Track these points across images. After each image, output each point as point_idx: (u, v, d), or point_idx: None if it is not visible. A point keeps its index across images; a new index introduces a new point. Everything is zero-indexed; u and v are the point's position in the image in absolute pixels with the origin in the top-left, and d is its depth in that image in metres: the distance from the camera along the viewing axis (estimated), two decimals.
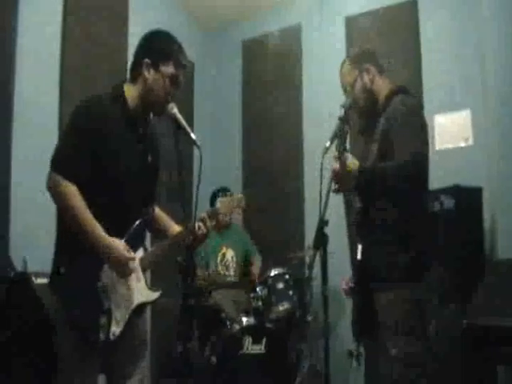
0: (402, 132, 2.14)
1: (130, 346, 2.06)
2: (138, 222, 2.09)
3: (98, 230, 1.93)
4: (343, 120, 2.24)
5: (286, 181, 5.08)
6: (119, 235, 2.02)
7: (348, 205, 2.32)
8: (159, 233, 2.32)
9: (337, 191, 2.14)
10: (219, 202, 2.29)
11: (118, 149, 2.04)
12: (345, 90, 2.44)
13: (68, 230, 1.96)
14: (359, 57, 2.45)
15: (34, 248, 3.05)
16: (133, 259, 2.02)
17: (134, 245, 2.07)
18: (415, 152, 2.09)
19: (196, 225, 2.09)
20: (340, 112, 2.30)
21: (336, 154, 2.07)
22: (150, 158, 2.18)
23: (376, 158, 2.23)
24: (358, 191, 2.24)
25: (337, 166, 2.06)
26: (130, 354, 2.07)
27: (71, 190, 1.92)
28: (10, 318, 2.59)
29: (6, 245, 3.09)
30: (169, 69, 2.08)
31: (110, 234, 1.97)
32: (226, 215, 4.07)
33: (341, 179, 2.09)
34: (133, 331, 2.05)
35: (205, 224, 2.15)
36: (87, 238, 1.91)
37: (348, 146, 2.16)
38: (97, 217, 1.94)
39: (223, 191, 4.11)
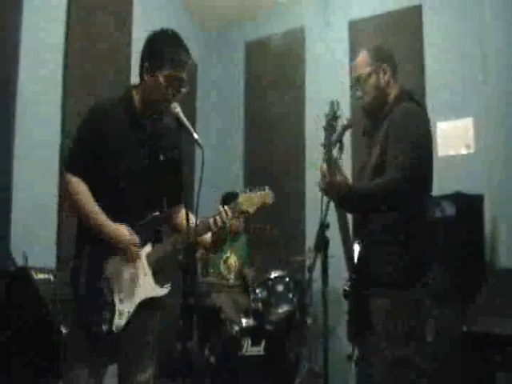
0: (396, 143, 2.10)
1: (140, 339, 2.08)
2: (152, 215, 2.10)
3: (102, 216, 1.99)
4: (343, 130, 2.26)
5: (288, 181, 5.09)
6: None
7: (340, 210, 2.29)
8: (177, 231, 2.25)
9: (322, 192, 2.14)
10: (242, 197, 2.11)
11: (118, 149, 2.06)
12: (356, 80, 2.35)
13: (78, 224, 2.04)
14: (379, 53, 2.35)
15: (35, 245, 3.06)
16: (135, 243, 2.03)
17: (143, 237, 2.07)
18: (404, 168, 2.04)
19: (212, 220, 2.06)
20: (344, 121, 2.30)
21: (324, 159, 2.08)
22: (162, 157, 2.16)
23: (375, 164, 2.22)
24: (340, 207, 2.23)
25: (324, 167, 2.09)
26: (141, 347, 2.09)
27: (78, 183, 2.01)
28: (12, 313, 2.60)
29: (7, 242, 3.10)
30: (164, 71, 2.07)
31: None
32: (234, 222, 4.11)
33: (328, 186, 2.09)
34: (143, 325, 2.06)
35: (222, 217, 2.07)
36: (93, 224, 1.99)
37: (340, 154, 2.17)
38: None
39: (231, 196, 4.11)
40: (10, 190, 3.20)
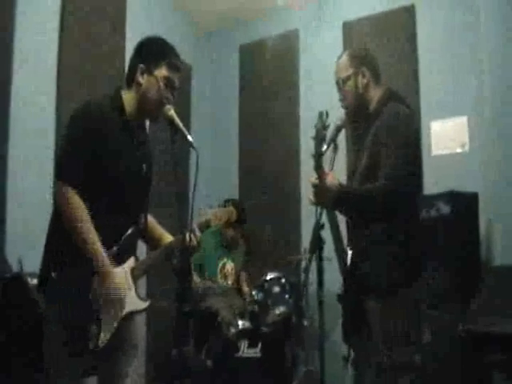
0: (387, 147, 2.13)
1: (121, 349, 2.06)
2: (130, 231, 2.08)
3: (100, 248, 1.93)
4: (337, 131, 2.26)
5: (283, 182, 5.08)
6: (117, 239, 2.03)
7: (332, 217, 2.29)
8: (152, 242, 2.30)
9: (314, 204, 2.15)
10: (210, 214, 2.26)
11: (117, 150, 2.04)
12: (337, 83, 2.41)
13: (62, 235, 1.95)
14: (359, 56, 2.39)
15: (30, 249, 3.03)
16: (120, 295, 2.00)
17: (125, 253, 2.06)
18: (395, 172, 2.08)
19: (187, 236, 2.06)
20: (337, 122, 2.31)
21: (314, 168, 2.08)
22: (144, 167, 2.18)
23: (365, 167, 2.22)
24: (336, 210, 2.24)
25: (313, 179, 2.10)
26: (121, 357, 2.07)
27: (78, 201, 1.92)
28: (6, 320, 2.59)
29: (1, 246, 3.08)
30: (162, 71, 2.09)
31: (108, 238, 1.97)
32: (234, 233, 4.28)
33: (318, 193, 2.10)
34: (123, 335, 2.04)
35: (195, 235, 2.14)
36: (88, 253, 1.91)
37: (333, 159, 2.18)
38: (96, 219, 1.94)
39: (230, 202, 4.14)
40: (5, 190, 3.17)
